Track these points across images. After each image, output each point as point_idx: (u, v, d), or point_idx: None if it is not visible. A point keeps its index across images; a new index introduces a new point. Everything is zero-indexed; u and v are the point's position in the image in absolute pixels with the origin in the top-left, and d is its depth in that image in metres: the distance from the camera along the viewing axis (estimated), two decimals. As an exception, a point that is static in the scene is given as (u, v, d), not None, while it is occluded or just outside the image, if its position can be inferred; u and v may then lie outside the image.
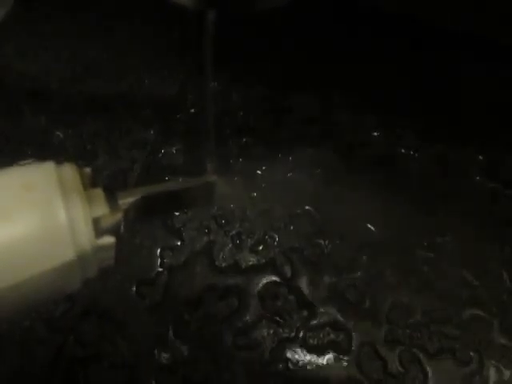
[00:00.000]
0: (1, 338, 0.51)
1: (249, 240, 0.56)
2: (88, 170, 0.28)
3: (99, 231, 0.27)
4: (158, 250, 0.55)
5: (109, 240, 0.28)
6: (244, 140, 0.61)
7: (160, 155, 0.61)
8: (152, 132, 0.62)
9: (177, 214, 0.57)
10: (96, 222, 0.27)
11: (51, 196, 0.26)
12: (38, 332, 0.51)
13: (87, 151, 0.61)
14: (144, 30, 0.70)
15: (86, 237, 0.26)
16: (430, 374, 0.49)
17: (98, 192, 0.28)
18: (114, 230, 0.28)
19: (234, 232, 0.56)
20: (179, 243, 0.56)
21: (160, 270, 0.54)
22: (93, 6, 0.71)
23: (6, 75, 0.66)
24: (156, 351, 0.50)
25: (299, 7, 0.69)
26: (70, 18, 0.71)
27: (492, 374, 0.49)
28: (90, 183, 0.29)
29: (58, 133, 0.62)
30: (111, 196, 0.29)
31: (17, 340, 0.51)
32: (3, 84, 0.66)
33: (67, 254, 0.26)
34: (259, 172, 0.59)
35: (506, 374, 0.49)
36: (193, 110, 0.63)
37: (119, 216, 0.29)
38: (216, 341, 0.51)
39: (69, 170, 0.28)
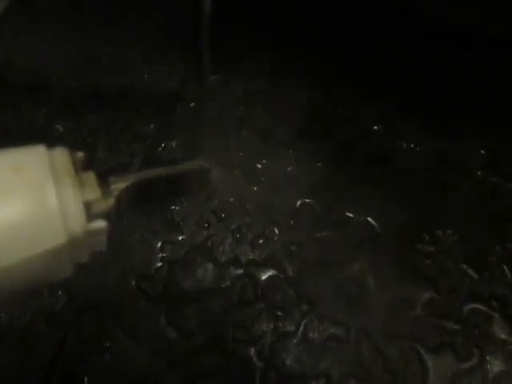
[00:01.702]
0: (1, 333, 0.51)
1: (249, 234, 0.56)
2: (80, 154, 0.28)
3: (91, 215, 0.27)
4: (159, 244, 0.55)
5: (100, 224, 0.27)
6: (244, 134, 0.61)
7: (160, 149, 0.61)
8: (152, 126, 0.62)
9: (177, 208, 0.57)
10: (87, 205, 0.27)
11: (42, 179, 0.26)
12: (39, 327, 0.51)
13: (87, 145, 0.61)
14: (144, 25, 0.70)
15: (76, 220, 0.26)
16: (430, 369, 0.49)
17: (90, 176, 0.28)
18: (105, 215, 0.28)
19: (234, 226, 0.56)
20: (179, 237, 0.56)
21: (160, 264, 0.54)
22: (93, 1, 0.72)
23: (7, 70, 0.67)
24: (156, 345, 0.50)
25: (299, 5, 0.69)
26: (69, 14, 0.71)
27: (492, 368, 0.49)
28: (82, 167, 0.28)
29: (57, 126, 0.62)
30: (103, 181, 0.29)
31: (17, 335, 0.51)
32: (3, 78, 0.66)
33: (58, 238, 0.25)
34: (259, 166, 0.59)
35: (507, 368, 0.49)
36: (193, 104, 0.63)
37: (111, 201, 0.28)
38: (216, 335, 0.51)
39: (60, 154, 0.27)
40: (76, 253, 0.27)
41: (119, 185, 0.30)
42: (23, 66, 0.67)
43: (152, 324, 0.51)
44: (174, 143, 0.61)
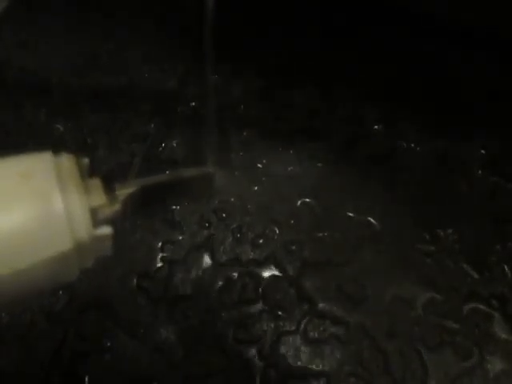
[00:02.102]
0: (1, 332, 0.51)
1: (249, 234, 0.56)
2: (86, 160, 0.28)
3: (96, 221, 0.27)
4: (159, 244, 0.55)
5: (106, 230, 0.27)
6: (244, 134, 0.62)
7: (160, 149, 0.61)
8: (152, 125, 0.62)
9: (177, 207, 0.57)
10: (93, 212, 0.27)
11: (48, 185, 0.26)
12: (39, 326, 0.51)
13: (87, 145, 0.61)
14: (144, 23, 0.70)
15: (83, 226, 0.26)
16: (430, 368, 0.49)
17: (96, 182, 0.28)
18: (111, 221, 0.28)
19: (234, 226, 0.56)
20: (180, 237, 0.56)
21: (160, 263, 0.54)
22: (93, 1, 0.71)
23: (7, 70, 0.67)
24: (156, 345, 0.50)
25: (299, 5, 0.69)
26: (70, 12, 0.71)
27: (492, 367, 0.49)
28: (88, 174, 0.29)
29: (58, 126, 0.62)
30: (109, 186, 0.29)
31: (18, 334, 0.51)
32: (3, 78, 0.66)
33: (64, 244, 0.26)
34: (260, 166, 0.59)
35: (507, 367, 0.49)
36: (193, 104, 0.63)
37: (117, 206, 0.29)
38: (216, 335, 0.51)
39: (66, 160, 0.28)
40: (82, 258, 0.27)
41: (124, 191, 0.30)
42: (23, 65, 0.67)
43: (152, 324, 0.51)
44: (174, 143, 0.61)
